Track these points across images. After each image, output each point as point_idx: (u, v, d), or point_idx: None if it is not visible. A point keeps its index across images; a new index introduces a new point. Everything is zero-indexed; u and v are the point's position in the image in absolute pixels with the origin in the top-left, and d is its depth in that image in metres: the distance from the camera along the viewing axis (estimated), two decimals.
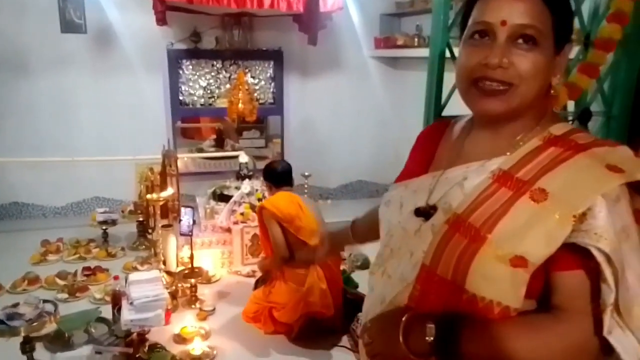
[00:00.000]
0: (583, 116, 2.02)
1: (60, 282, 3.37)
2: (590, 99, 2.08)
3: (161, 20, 4.22)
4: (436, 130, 1.05)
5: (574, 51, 2.05)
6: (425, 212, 0.89)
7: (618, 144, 0.82)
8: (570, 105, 2.11)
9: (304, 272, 2.78)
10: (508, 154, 0.85)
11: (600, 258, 0.73)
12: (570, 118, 2.03)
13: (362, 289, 3.21)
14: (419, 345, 0.81)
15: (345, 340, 2.82)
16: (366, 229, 1.24)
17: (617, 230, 0.74)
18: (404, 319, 0.83)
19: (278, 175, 3.03)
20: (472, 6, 0.87)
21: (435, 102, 1.79)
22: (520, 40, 0.81)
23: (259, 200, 3.84)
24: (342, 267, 3.47)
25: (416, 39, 4.72)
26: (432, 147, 1.00)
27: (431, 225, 0.86)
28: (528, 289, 0.76)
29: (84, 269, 3.57)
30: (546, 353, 0.76)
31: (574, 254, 0.75)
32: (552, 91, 0.87)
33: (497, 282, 0.76)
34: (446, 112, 1.80)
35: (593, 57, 1.92)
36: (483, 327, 0.77)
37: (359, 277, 3.42)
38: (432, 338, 0.79)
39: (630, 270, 0.75)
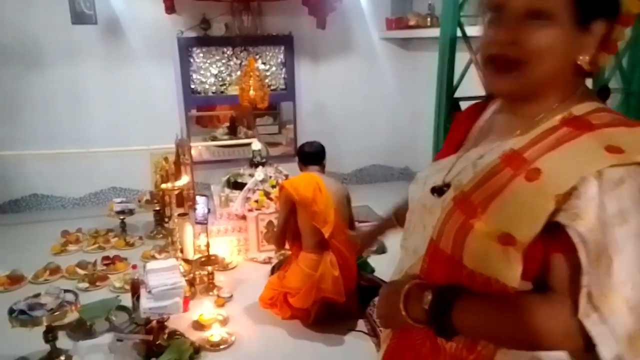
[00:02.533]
0: (601, 93, 1.96)
1: (81, 272, 3.43)
2: (608, 76, 2.02)
3: (170, 9, 4.22)
4: (473, 111, 1.05)
5: None
6: (439, 190, 0.91)
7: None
8: (589, 83, 2.05)
9: (316, 257, 2.79)
10: (526, 134, 0.84)
11: (575, 239, 0.72)
12: None
13: (379, 273, 3.20)
14: (416, 312, 0.85)
15: (361, 325, 2.83)
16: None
17: (610, 213, 0.71)
18: (406, 286, 0.88)
19: (305, 155, 3.07)
20: None
21: (447, 84, 1.76)
22: (533, 16, 0.78)
23: (273, 187, 3.84)
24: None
25: (429, 19, 4.62)
26: (466, 128, 1.01)
27: (442, 201, 0.89)
28: (525, 270, 0.76)
29: (104, 258, 3.64)
30: (529, 331, 0.75)
31: (560, 235, 0.74)
32: (584, 69, 0.83)
33: (489, 259, 0.78)
34: (458, 94, 1.77)
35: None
36: (476, 299, 0.80)
37: (375, 261, 3.42)
38: (427, 306, 0.83)
39: (621, 256, 0.71)
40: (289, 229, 2.90)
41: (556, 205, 0.72)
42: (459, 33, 1.78)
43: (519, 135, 0.84)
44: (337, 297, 2.76)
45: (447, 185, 0.90)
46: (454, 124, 1.08)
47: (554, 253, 0.76)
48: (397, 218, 1.31)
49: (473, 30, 2.05)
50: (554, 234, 0.74)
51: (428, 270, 0.89)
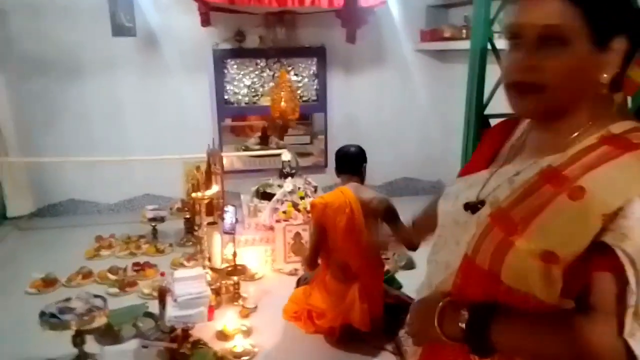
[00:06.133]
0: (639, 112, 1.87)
1: (112, 277, 3.50)
2: None
3: (206, 22, 4.31)
4: (504, 127, 1.05)
5: None
6: (473, 206, 0.91)
7: None
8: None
9: (344, 287, 2.70)
10: (562, 151, 0.84)
11: (624, 259, 0.72)
12: None
13: (406, 289, 3.13)
14: (452, 330, 0.86)
15: (386, 343, 2.77)
16: (424, 221, 1.30)
17: None
18: (440, 304, 0.89)
19: (337, 161, 2.83)
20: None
21: (477, 100, 1.71)
22: (548, 41, 0.80)
23: (301, 198, 3.84)
24: (386, 268, 3.41)
25: (464, 31, 4.57)
26: (497, 144, 1.01)
27: (477, 217, 0.89)
28: (566, 288, 0.77)
29: (134, 264, 3.70)
30: (572, 350, 0.76)
31: (606, 254, 0.74)
32: (604, 90, 0.82)
33: (529, 277, 0.78)
34: (489, 111, 1.72)
35: None
36: (515, 317, 0.81)
37: (403, 277, 3.36)
38: (464, 324, 0.84)
39: None
40: (321, 248, 2.75)
41: (602, 224, 0.73)
42: (489, 46, 1.73)
43: (556, 152, 0.84)
44: (363, 327, 2.68)
45: (482, 202, 0.90)
46: (484, 139, 1.09)
47: (596, 272, 0.76)
48: (415, 226, 1.35)
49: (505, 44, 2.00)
50: (596, 253, 0.74)
51: (461, 285, 0.89)
